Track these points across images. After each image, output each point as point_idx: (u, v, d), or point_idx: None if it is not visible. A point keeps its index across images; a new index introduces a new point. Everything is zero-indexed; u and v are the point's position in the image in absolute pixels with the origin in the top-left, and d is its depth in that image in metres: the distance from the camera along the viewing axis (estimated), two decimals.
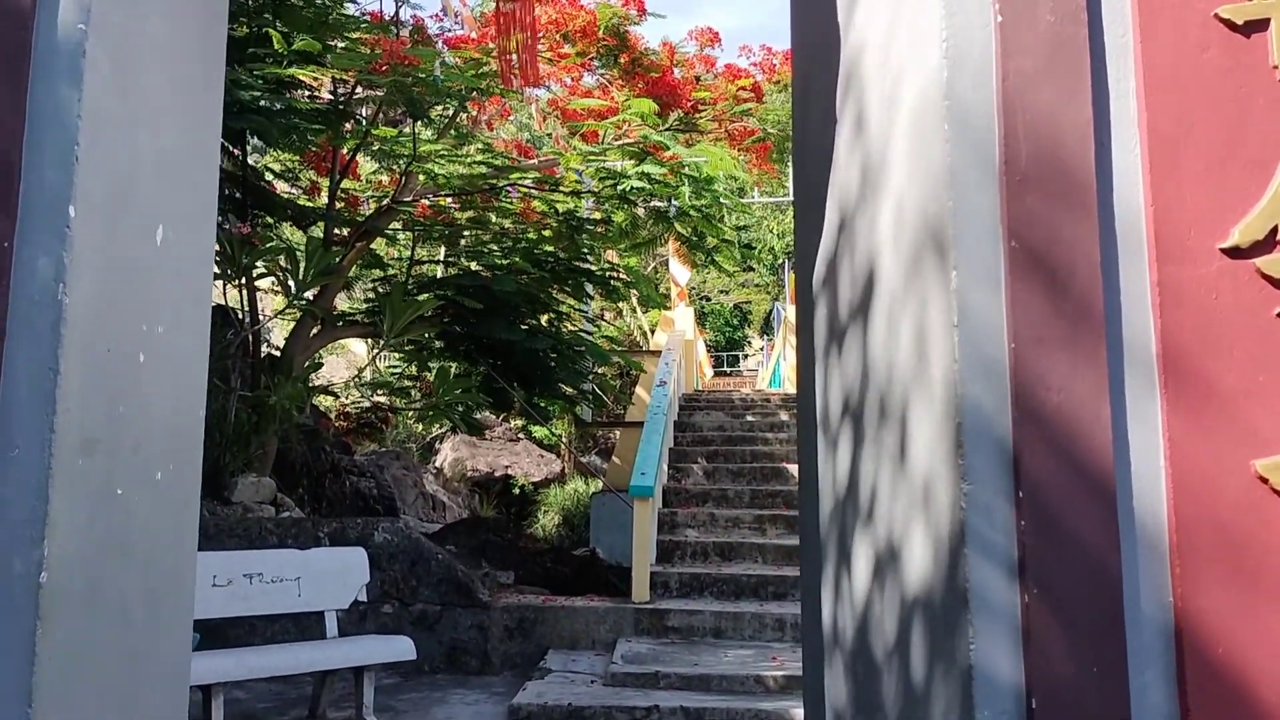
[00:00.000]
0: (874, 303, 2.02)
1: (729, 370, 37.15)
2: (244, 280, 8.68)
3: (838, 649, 2.05)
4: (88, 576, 1.87)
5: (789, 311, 16.23)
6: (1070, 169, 1.64)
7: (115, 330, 1.98)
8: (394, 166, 10.12)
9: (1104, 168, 1.66)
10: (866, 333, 2.05)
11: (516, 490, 23.34)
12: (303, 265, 8.13)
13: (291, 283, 8.10)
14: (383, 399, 14.92)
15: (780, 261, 35.68)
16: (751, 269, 37.10)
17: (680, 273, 16.72)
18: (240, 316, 8.28)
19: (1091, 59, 1.67)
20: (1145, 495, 1.57)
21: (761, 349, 36.20)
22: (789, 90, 11.38)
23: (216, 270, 8.36)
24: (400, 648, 5.73)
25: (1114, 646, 1.46)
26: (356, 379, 11.13)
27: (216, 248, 8.32)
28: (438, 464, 23.38)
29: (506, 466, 24.66)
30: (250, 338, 8.94)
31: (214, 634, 5.94)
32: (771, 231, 35.03)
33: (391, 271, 11.52)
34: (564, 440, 25.16)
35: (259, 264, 9.51)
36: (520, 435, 25.03)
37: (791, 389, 14.96)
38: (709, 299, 38.60)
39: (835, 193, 2.20)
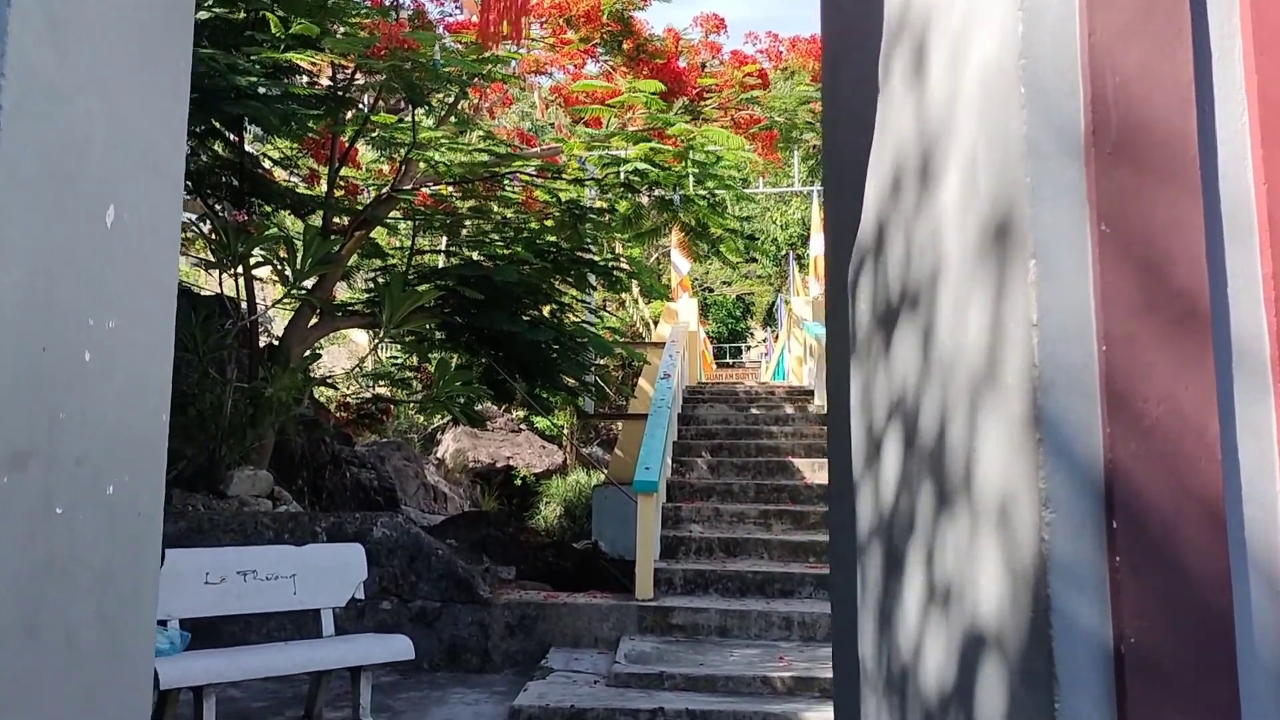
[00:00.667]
0: (932, 294, 1.78)
1: (731, 362, 37.00)
2: (241, 269, 8.53)
3: (882, 686, 1.84)
4: (25, 607, 1.66)
5: (794, 303, 16.07)
6: (1168, 140, 1.40)
7: (54, 326, 1.75)
8: (394, 155, 9.97)
9: (1207, 139, 1.43)
10: (923, 328, 1.81)
11: (518, 481, 23.25)
12: (300, 254, 7.97)
13: (289, 272, 7.94)
14: (383, 390, 14.79)
15: (784, 253, 35.50)
16: (754, 260, 36.92)
17: (682, 264, 16.55)
18: (237, 306, 8.12)
19: (1191, 12, 1.43)
20: (1260, 523, 1.34)
21: (764, 340, 36.06)
22: (795, 78, 11.23)
23: (212, 259, 8.21)
24: (398, 647, 5.58)
25: (1225, 700, 1.25)
26: (356, 370, 10.96)
27: (213, 236, 8.21)
28: (439, 455, 23.26)
29: (508, 457, 24.56)
30: (248, 328, 8.78)
31: (207, 632, 5.79)
32: (775, 222, 34.83)
33: (392, 261, 11.37)
34: (566, 431, 25.05)
35: (256, 253, 9.39)
36: (522, 426, 24.91)
37: (796, 381, 14.78)
38: (711, 290, 38.42)
39: (880, 171, 1.97)
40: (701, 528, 8.59)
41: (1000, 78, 1.55)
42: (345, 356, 19.80)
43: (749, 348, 39.22)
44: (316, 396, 13.88)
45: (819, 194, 17.26)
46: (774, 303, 39.73)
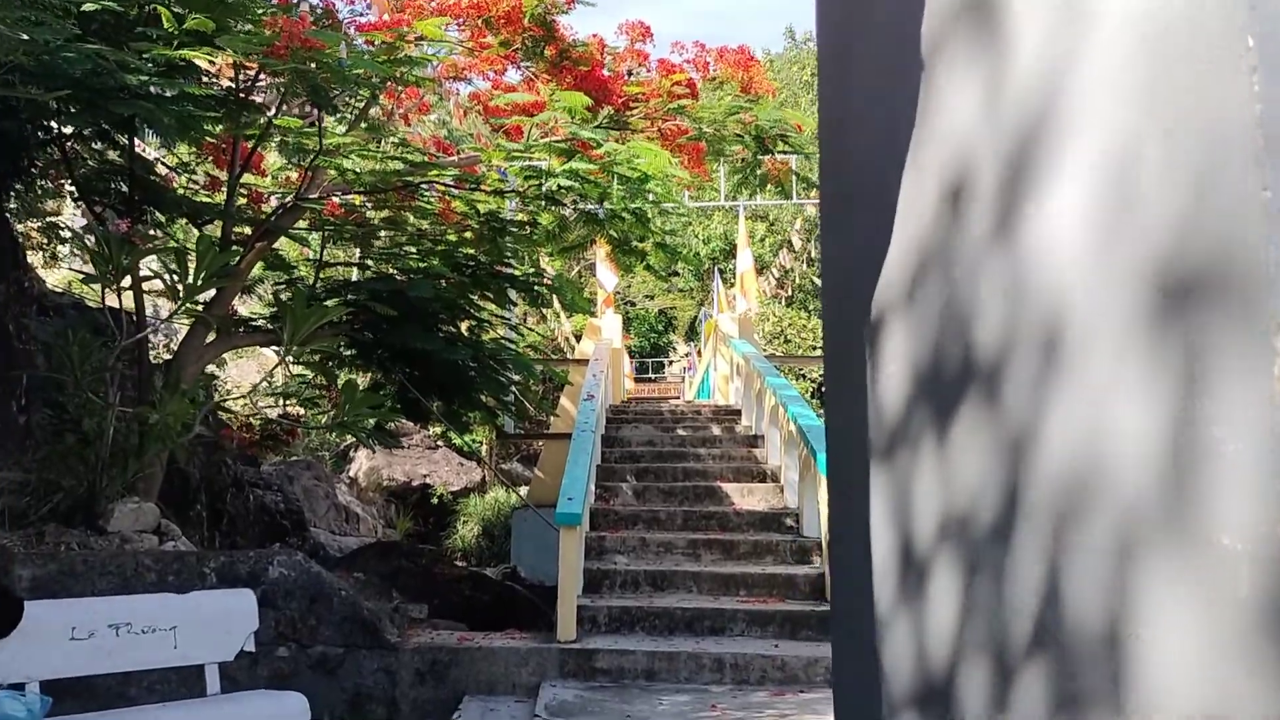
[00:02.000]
0: (1041, 367, 1.20)
1: (654, 377, 36.70)
2: (130, 283, 7.86)
3: None
4: None
5: (720, 320, 15.75)
6: None
7: None
8: (302, 162, 9.37)
9: None
10: (1018, 419, 1.21)
11: (435, 500, 22.56)
12: (193, 267, 7.35)
13: (180, 286, 7.31)
14: (292, 408, 14.07)
15: (706, 267, 35.35)
16: (677, 274, 36.74)
17: (608, 278, 16.13)
18: (121, 323, 7.44)
19: None
20: None
21: (687, 355, 35.85)
22: (723, 89, 10.91)
23: (94, 272, 7.53)
24: (291, 707, 5.03)
25: None
26: (257, 389, 10.29)
27: (94, 247, 7.53)
28: (352, 473, 22.43)
29: (425, 475, 23.86)
30: (135, 346, 8.10)
31: (73, 694, 5.15)
32: (697, 236, 34.68)
33: (299, 274, 10.73)
34: (485, 448, 24.41)
35: (149, 266, 8.70)
36: (439, 443, 24.21)
37: (722, 400, 14.45)
38: (634, 304, 38.12)
39: (922, 182, 1.45)
40: (627, 559, 8.15)
41: (1185, 23, 1.01)
42: (255, 371, 18.94)
43: (671, 362, 38.96)
44: (221, 415, 13.14)
45: (744, 209, 17.00)
46: (696, 317, 39.60)
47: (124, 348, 7.45)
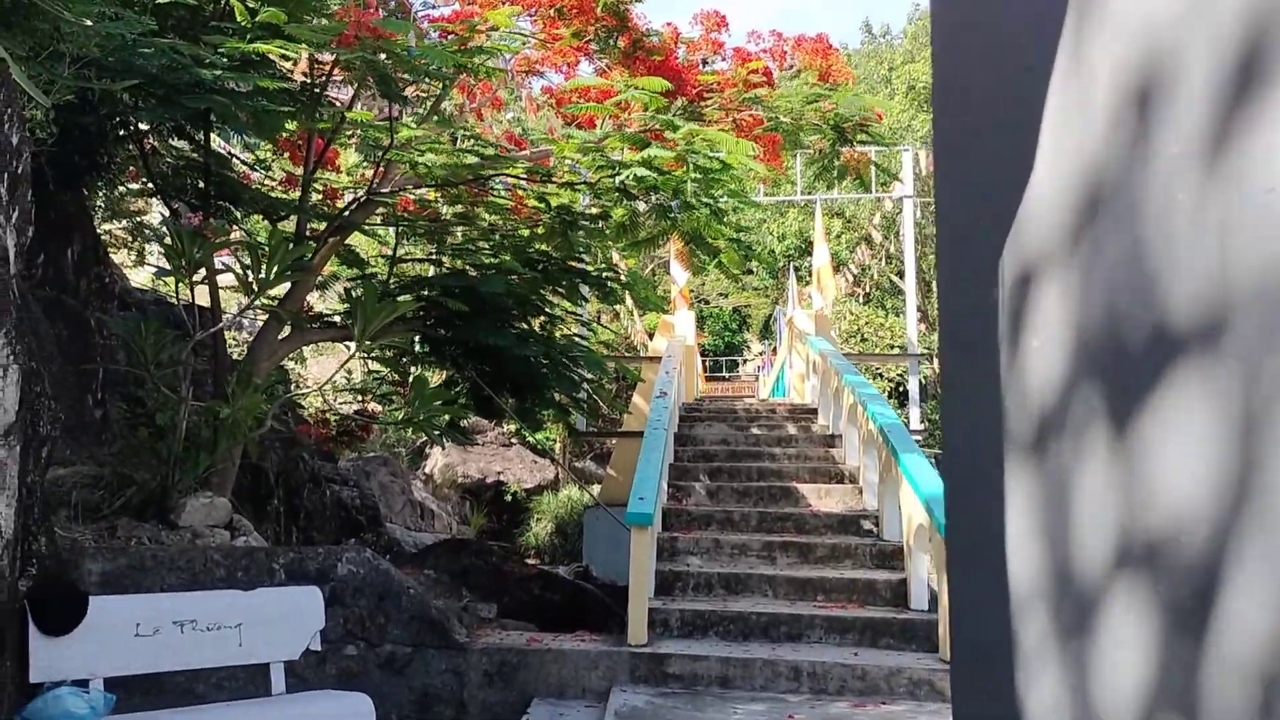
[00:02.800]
0: None
1: (727, 375, 36.40)
2: (204, 277, 7.88)
3: None
4: None
5: (796, 317, 15.41)
6: None
7: None
8: (376, 157, 9.34)
9: None
10: (1263, 386, 0.90)
11: (509, 497, 22.62)
12: (266, 261, 7.32)
13: (253, 280, 7.29)
14: (368, 404, 14.15)
15: (781, 265, 34.94)
16: (751, 272, 36.37)
17: (680, 275, 15.90)
18: (196, 317, 7.45)
19: None
20: None
21: (761, 354, 35.45)
22: (801, 77, 10.61)
23: (167, 265, 7.55)
24: (357, 708, 4.91)
25: None
26: (331, 383, 10.30)
27: (168, 242, 7.56)
28: (427, 470, 22.59)
29: (499, 473, 23.95)
30: (212, 341, 8.12)
31: (138, 691, 5.11)
32: (772, 233, 34.27)
33: (372, 270, 10.72)
34: (558, 445, 24.41)
35: (225, 260, 8.73)
36: (513, 440, 24.28)
37: (798, 399, 14.12)
38: (708, 302, 37.82)
39: (1098, 74, 1.10)
40: (700, 561, 7.93)
41: None
42: (336, 368, 19.17)
43: (745, 360, 38.58)
44: (298, 410, 13.23)
45: (820, 203, 16.64)
46: (771, 315, 39.14)
47: (198, 342, 7.46)
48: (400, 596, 6.44)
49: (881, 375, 28.07)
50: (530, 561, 21.76)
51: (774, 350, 27.83)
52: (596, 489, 22.36)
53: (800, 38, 10.65)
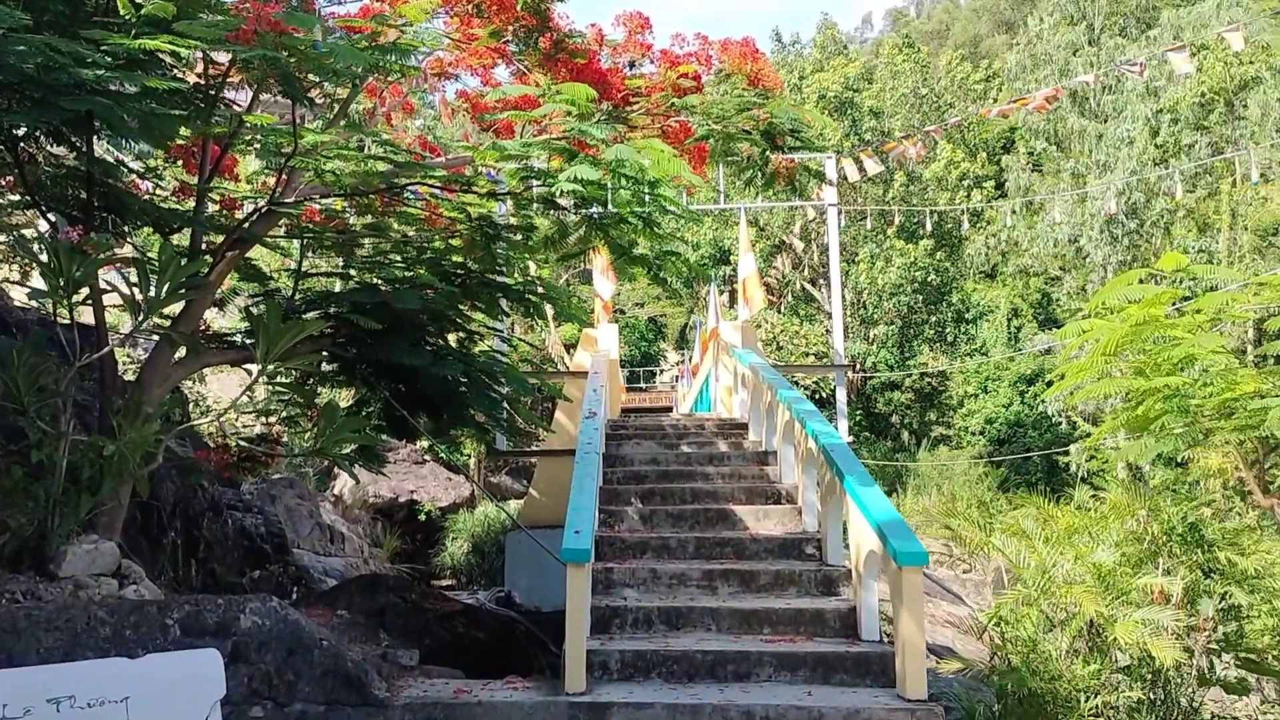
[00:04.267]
0: None
1: (644, 386, 36.11)
2: (86, 296, 7.14)
3: None
4: None
5: (722, 329, 15.05)
6: None
7: None
8: (279, 164, 8.66)
9: None
10: None
11: (423, 516, 21.83)
12: (156, 278, 6.64)
13: (142, 299, 6.59)
14: (275, 425, 13.35)
15: (693, 274, 34.86)
16: (665, 281, 36.14)
17: (605, 287, 15.43)
18: (74, 342, 6.69)
19: None
20: None
21: (678, 364, 35.15)
22: (731, 82, 10.24)
23: (44, 286, 6.79)
24: None
25: None
26: (234, 407, 9.58)
27: (43, 258, 6.81)
28: (337, 490, 21.66)
29: (412, 491, 23.15)
30: (98, 366, 7.37)
31: None
32: (686, 242, 34.07)
33: (276, 285, 10.01)
34: (474, 460, 23.68)
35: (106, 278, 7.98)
36: (426, 457, 23.48)
37: (726, 413, 13.74)
38: (623, 312, 37.46)
39: None
40: (637, 594, 7.44)
41: None
42: (238, 386, 18.11)
43: (661, 371, 38.29)
44: (198, 433, 12.38)
45: (744, 212, 16.35)
46: (687, 324, 38.86)
47: (83, 367, 6.72)
48: (312, 650, 5.83)
49: (798, 383, 28.05)
50: (449, 593, 21.07)
51: (692, 362, 27.51)
52: (513, 505, 21.73)
53: (726, 41, 10.28)
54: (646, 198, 6.76)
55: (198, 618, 5.65)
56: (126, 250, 8.99)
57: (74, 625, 5.36)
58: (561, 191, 6.53)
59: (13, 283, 11.70)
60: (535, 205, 7.66)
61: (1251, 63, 25.83)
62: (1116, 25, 32.42)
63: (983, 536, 7.36)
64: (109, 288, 7.31)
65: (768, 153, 9.68)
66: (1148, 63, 19.80)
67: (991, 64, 46.15)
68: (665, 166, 6.80)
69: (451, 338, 9.60)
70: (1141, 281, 7.64)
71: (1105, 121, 28.81)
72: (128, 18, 6.52)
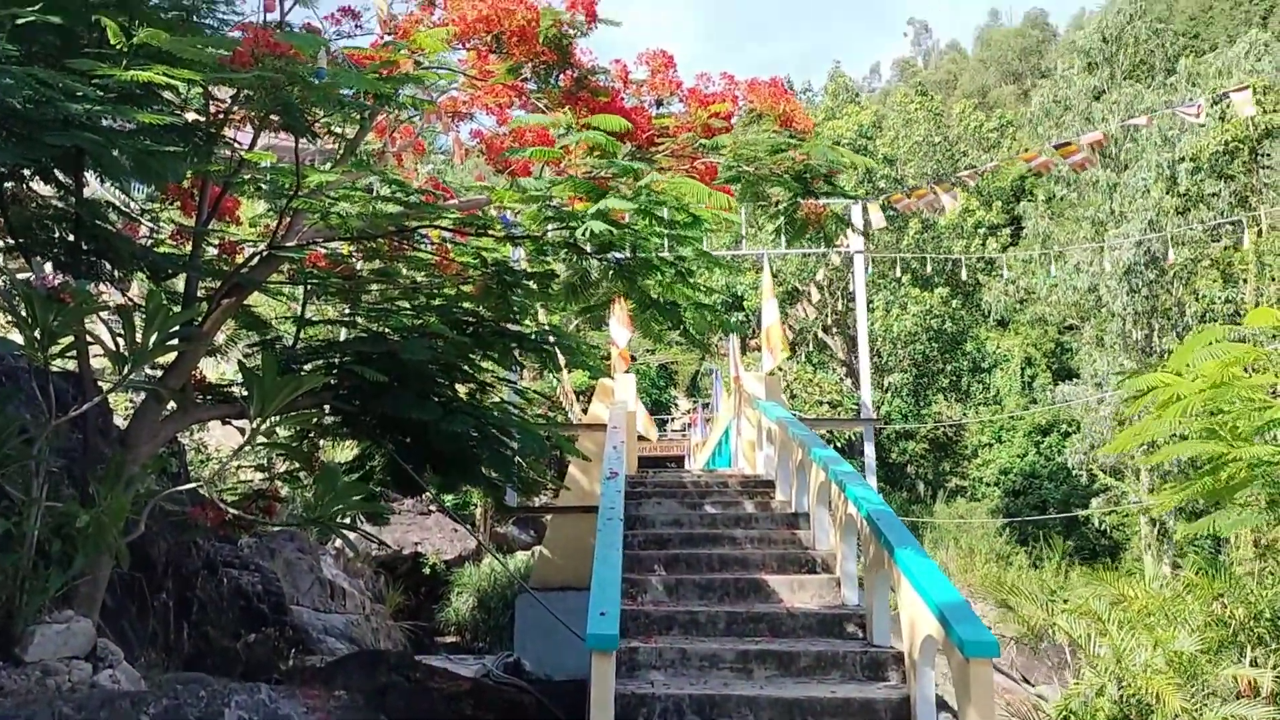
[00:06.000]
0: None
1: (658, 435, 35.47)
2: (71, 347, 6.58)
3: None
4: None
5: (745, 379, 14.40)
6: None
7: None
8: (282, 206, 8.13)
9: None
10: None
11: (427, 570, 21.06)
12: (144, 327, 6.06)
13: (127, 350, 6.01)
14: (271, 480, 12.73)
15: (726, 330, 34.45)
16: (697, 340, 35.67)
17: (621, 335, 14.84)
18: (50, 396, 6.10)
19: None
20: None
21: (689, 411, 34.51)
22: (761, 123, 9.73)
23: (19, 336, 6.22)
24: None
25: None
26: (224, 469, 8.98)
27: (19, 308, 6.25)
28: (339, 543, 20.94)
29: (416, 544, 22.40)
30: (80, 423, 6.78)
31: None
32: (699, 289, 33.60)
33: (277, 333, 9.45)
34: (480, 509, 22.94)
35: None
36: (431, 508, 22.75)
37: (749, 469, 13.05)
38: (635, 358, 36.90)
39: None
40: (665, 678, 6.76)
41: None
42: (239, 435, 17.54)
43: (673, 419, 37.60)
44: (194, 487, 11.77)
45: (767, 257, 15.81)
46: (698, 371, 38.26)
47: (65, 423, 6.13)
48: None
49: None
50: (451, 641, 20.24)
51: (708, 412, 26.81)
52: (521, 557, 20.98)
53: (754, 81, 9.80)
54: (683, 239, 6.18)
55: (177, 712, 5.00)
56: (132, 295, 8.48)
57: None
58: (587, 234, 5.95)
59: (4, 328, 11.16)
60: (559, 250, 7.08)
61: (1276, 110, 25.41)
62: (1142, 70, 32.14)
63: (1046, 617, 6.68)
64: (93, 339, 6.73)
65: (798, 198, 9.15)
66: (1165, 112, 19.37)
67: (1004, 114, 45.97)
68: (700, 195, 6.26)
69: (462, 389, 9.03)
70: (1220, 340, 7.04)
71: (1125, 169, 28.36)
72: (118, 46, 6.01)
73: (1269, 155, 27.21)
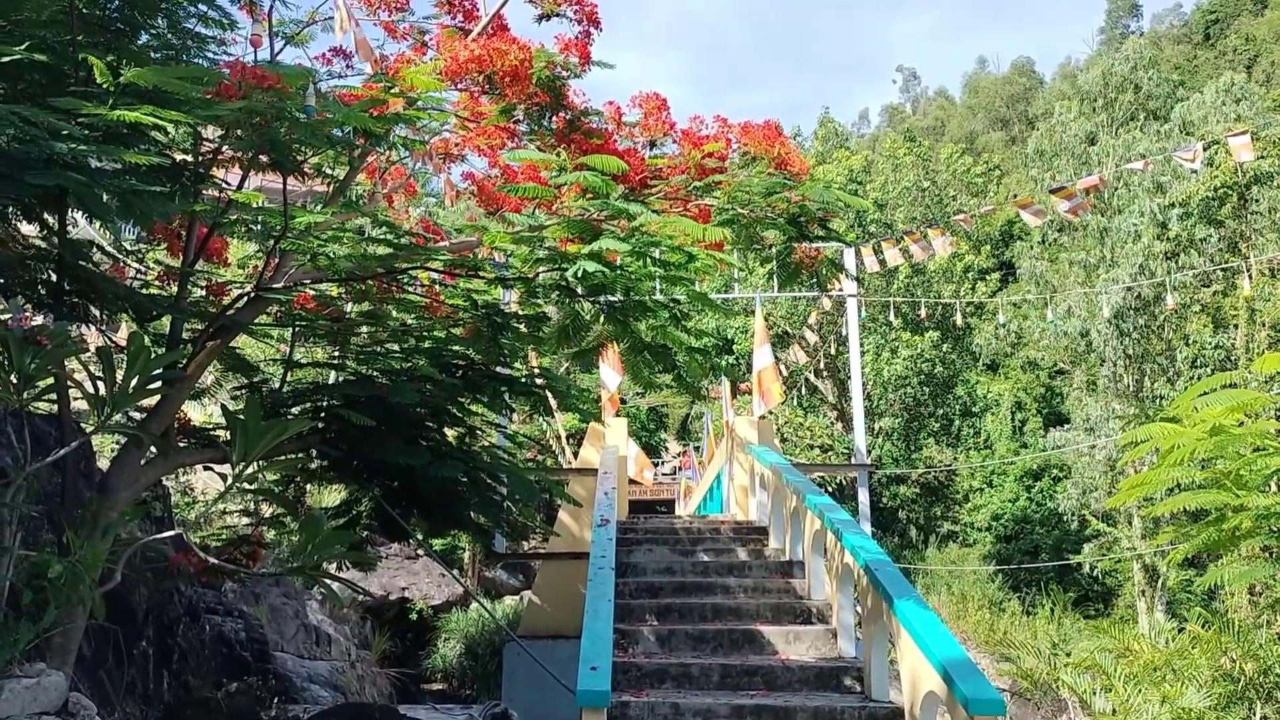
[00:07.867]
0: None
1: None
2: (50, 389, 6.42)
3: None
4: None
5: (737, 424, 14.25)
6: None
7: None
8: (269, 248, 8.02)
9: None
10: None
11: (414, 615, 20.74)
12: (125, 369, 5.91)
13: (106, 394, 5.85)
14: (254, 524, 12.50)
15: (719, 374, 34.39)
16: (692, 385, 35.62)
17: (611, 378, 14.71)
18: (25, 441, 5.93)
19: None
20: None
21: (679, 454, 34.34)
22: (755, 165, 9.68)
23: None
24: None
25: None
26: (206, 515, 8.79)
27: None
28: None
29: (404, 589, 22.06)
30: (60, 470, 6.60)
31: None
32: (690, 332, 33.55)
33: (262, 376, 9.28)
34: (468, 554, 22.63)
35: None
36: (418, 552, 22.47)
37: (741, 515, 12.87)
38: (624, 401, 36.76)
39: None
40: None
41: None
42: (228, 474, 17.29)
43: (663, 462, 37.39)
44: (177, 534, 11.54)
45: (760, 300, 15.75)
46: (688, 415, 38.13)
47: (33, 472, 5.94)
48: None
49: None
50: (438, 689, 19.83)
51: (699, 456, 26.61)
52: (509, 601, 20.69)
53: (747, 124, 9.76)
54: (677, 280, 6.07)
55: None
56: (119, 337, 8.31)
57: None
58: (580, 273, 5.84)
59: None
60: (550, 292, 6.96)
61: (1263, 157, 25.64)
62: (1139, 116, 32.41)
63: (1050, 670, 6.51)
64: (73, 383, 6.57)
65: (792, 241, 9.07)
66: (1161, 158, 19.47)
67: (990, 158, 46.34)
68: (695, 234, 6.16)
69: (451, 433, 8.88)
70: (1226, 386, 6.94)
71: (1117, 214, 28.53)
72: (105, 85, 5.91)
73: (1258, 201, 27.40)
